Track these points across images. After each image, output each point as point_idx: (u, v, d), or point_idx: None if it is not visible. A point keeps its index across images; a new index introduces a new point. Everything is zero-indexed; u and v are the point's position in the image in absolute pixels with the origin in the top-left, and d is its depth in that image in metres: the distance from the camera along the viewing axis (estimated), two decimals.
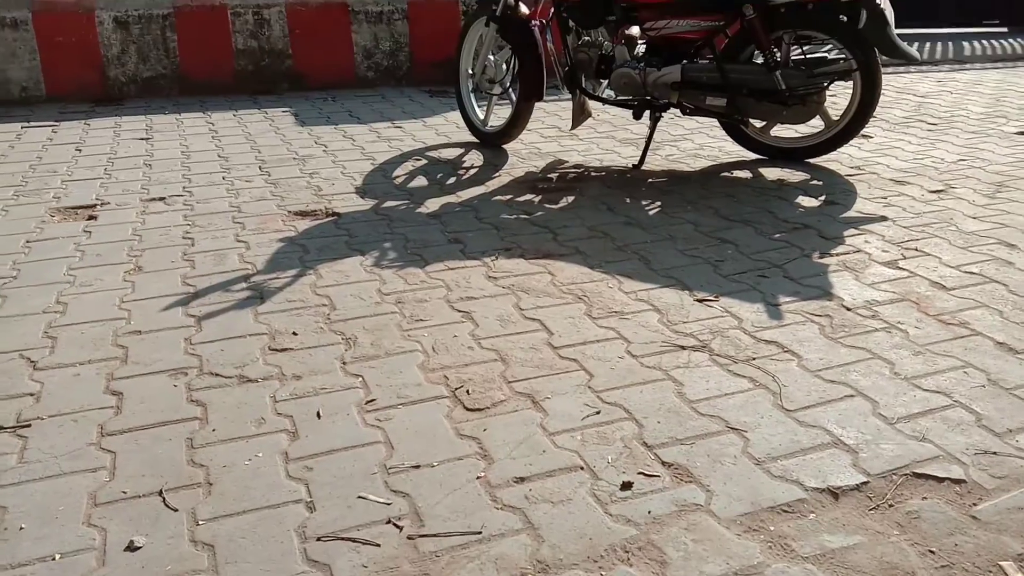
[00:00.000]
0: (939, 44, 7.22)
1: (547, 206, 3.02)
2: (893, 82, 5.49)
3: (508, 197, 3.12)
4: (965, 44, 7.28)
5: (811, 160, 3.53)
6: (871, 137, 3.99)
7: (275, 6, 5.04)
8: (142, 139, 3.95)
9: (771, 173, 3.40)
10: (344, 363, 1.85)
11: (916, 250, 2.54)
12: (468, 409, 1.67)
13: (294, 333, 1.99)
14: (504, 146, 3.86)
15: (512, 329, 2.03)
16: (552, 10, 3.62)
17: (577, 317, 2.09)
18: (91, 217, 2.86)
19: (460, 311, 2.13)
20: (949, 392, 1.72)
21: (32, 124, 4.23)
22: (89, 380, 1.77)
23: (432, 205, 3.02)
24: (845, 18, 3.11)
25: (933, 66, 6.34)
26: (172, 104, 4.75)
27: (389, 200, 3.08)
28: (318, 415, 1.64)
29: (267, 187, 3.21)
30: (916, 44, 6.91)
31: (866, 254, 2.52)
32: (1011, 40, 7.58)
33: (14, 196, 3.09)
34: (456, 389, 1.74)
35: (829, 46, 3.29)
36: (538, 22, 3.62)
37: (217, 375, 1.80)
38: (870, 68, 3.19)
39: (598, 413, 1.65)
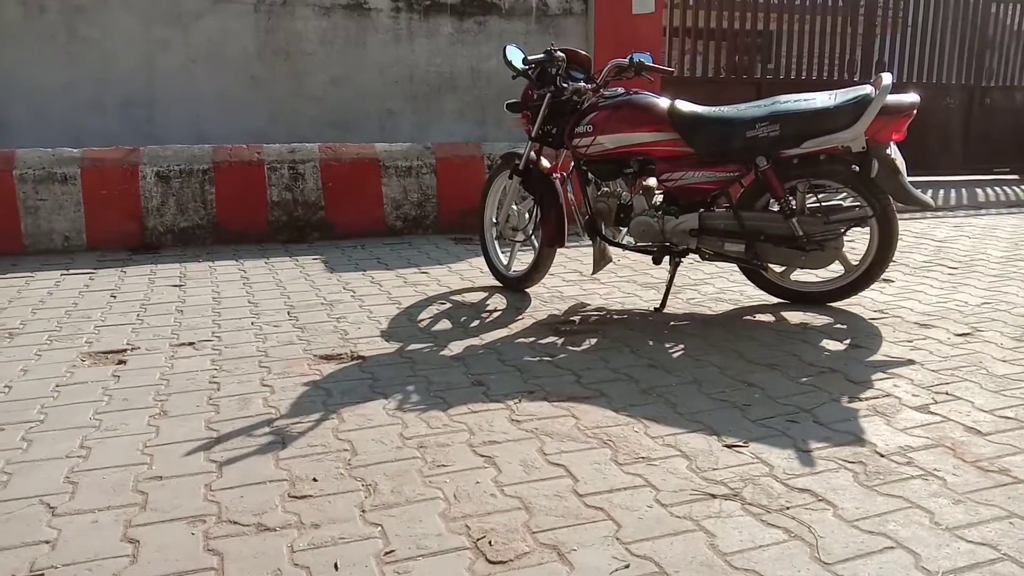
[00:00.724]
0: (952, 191, 7.40)
1: (570, 348, 3.03)
2: (910, 227, 5.59)
3: (531, 339, 3.14)
4: (978, 191, 7.45)
5: (833, 304, 3.54)
6: (892, 281, 4.02)
7: (310, 161, 5.31)
8: (175, 286, 4.07)
9: (794, 316, 3.41)
10: (363, 511, 1.81)
11: (947, 394, 2.50)
12: (490, 562, 1.61)
13: (314, 479, 1.96)
14: (527, 290, 3.93)
15: (536, 475, 1.98)
16: (572, 164, 3.79)
17: (603, 463, 2.04)
18: (121, 362, 2.91)
19: (483, 456, 2.09)
20: (995, 544, 1.64)
21: (71, 272, 4.39)
22: (107, 527, 1.74)
23: (455, 348, 3.04)
24: (857, 168, 3.21)
25: (948, 212, 6.46)
26: (206, 252, 4.93)
27: (413, 343, 3.11)
28: (335, 566, 1.59)
29: (294, 332, 3.26)
30: (930, 191, 7.08)
31: (896, 398, 2.47)
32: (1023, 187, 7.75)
33: (48, 341, 3.16)
34: (478, 540, 1.69)
35: (844, 194, 3.38)
36: (559, 175, 3.79)
37: (235, 523, 1.76)
38: (886, 215, 3.26)
39: (627, 567, 1.58)
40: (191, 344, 3.11)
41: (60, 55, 5.81)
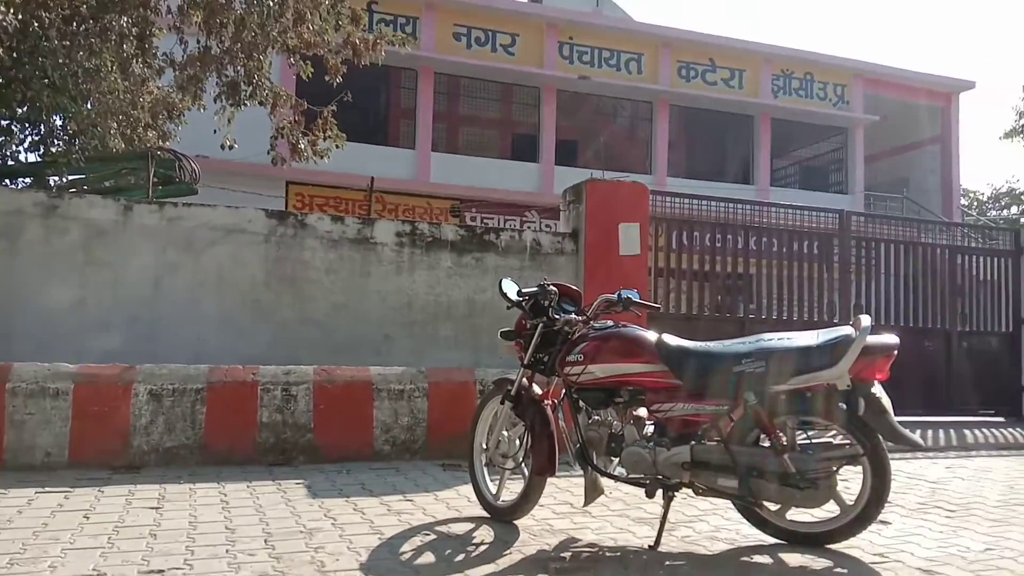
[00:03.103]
0: (941, 432, 7.42)
1: None
2: (902, 468, 5.53)
3: None
4: (966, 432, 7.47)
5: (831, 545, 3.42)
6: (889, 523, 3.91)
7: (304, 383, 5.35)
8: (152, 508, 3.93)
9: (792, 558, 3.28)
10: None
11: None
12: None
13: None
14: (515, 522, 3.80)
15: None
16: (563, 391, 3.83)
17: None
18: None
19: None
20: None
21: (46, 489, 4.25)
22: None
23: None
24: (844, 405, 3.25)
25: (939, 453, 6.44)
26: (188, 473, 4.81)
27: None
28: None
29: (269, 562, 3.11)
30: (918, 431, 7.08)
31: None
32: (1011, 430, 7.78)
33: (8, 564, 2.99)
34: None
35: (833, 431, 3.39)
36: (550, 401, 3.83)
37: None
38: (877, 453, 3.25)
39: None
40: (160, 572, 2.95)
41: (73, 274, 6.04)
